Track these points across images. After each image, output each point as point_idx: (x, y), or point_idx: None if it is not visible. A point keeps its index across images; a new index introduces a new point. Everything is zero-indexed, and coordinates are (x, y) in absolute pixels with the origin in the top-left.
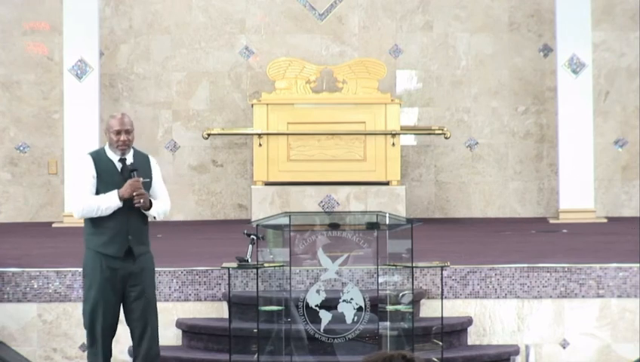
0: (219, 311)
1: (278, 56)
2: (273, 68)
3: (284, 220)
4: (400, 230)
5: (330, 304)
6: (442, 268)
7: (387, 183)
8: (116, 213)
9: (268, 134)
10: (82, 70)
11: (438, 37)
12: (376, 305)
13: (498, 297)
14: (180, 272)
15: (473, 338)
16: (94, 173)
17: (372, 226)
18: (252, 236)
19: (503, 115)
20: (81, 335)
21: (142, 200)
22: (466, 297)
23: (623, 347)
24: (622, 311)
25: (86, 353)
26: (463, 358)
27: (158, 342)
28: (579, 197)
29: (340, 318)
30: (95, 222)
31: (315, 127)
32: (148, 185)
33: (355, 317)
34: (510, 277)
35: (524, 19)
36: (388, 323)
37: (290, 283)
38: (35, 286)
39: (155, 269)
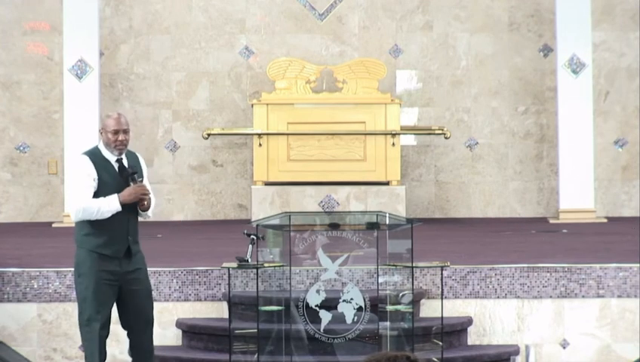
0: (219, 311)
1: (278, 56)
2: (273, 68)
3: (284, 220)
4: (400, 230)
5: (330, 304)
6: (442, 268)
7: (387, 183)
8: (117, 213)
9: (268, 134)
10: (82, 70)
11: (438, 37)
12: (376, 305)
13: (498, 297)
14: (179, 272)
15: (473, 338)
16: (95, 176)
17: (372, 226)
18: (252, 236)
19: (503, 115)
20: None
21: (146, 203)
22: (466, 297)
23: (623, 347)
24: (622, 311)
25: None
26: (463, 358)
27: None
28: (579, 197)
29: (340, 318)
30: (93, 223)
31: (315, 127)
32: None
33: (355, 317)
34: (510, 277)
35: (524, 19)
36: (388, 323)
37: (290, 283)
38: (35, 286)
39: (155, 269)
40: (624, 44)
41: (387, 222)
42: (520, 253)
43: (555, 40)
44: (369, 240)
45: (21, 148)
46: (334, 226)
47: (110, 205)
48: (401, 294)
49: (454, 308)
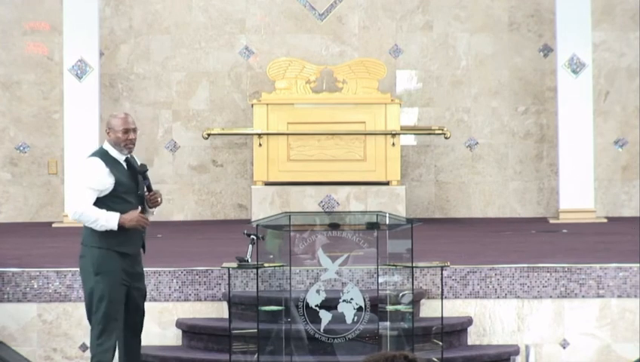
0: (219, 311)
1: (278, 56)
2: (273, 68)
3: (284, 220)
4: (400, 230)
5: (330, 304)
6: (442, 268)
7: (387, 183)
8: (131, 210)
9: (268, 134)
10: (82, 70)
11: (438, 37)
12: (376, 305)
13: (498, 297)
14: (179, 272)
15: (473, 338)
16: (111, 180)
17: (372, 226)
18: (252, 236)
19: (503, 115)
20: (81, 336)
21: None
22: (466, 297)
23: (623, 347)
24: (622, 311)
25: (86, 353)
26: (463, 358)
27: None
28: (579, 197)
29: (340, 318)
30: None
31: (315, 127)
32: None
33: (355, 317)
34: (510, 277)
35: (524, 19)
36: (388, 323)
37: (290, 283)
38: (35, 286)
39: (155, 269)
40: (624, 44)
41: (387, 222)
42: (520, 253)
43: (555, 40)
44: (369, 240)
45: (21, 148)
46: (334, 226)
47: (108, 222)
48: (401, 294)
49: (454, 308)
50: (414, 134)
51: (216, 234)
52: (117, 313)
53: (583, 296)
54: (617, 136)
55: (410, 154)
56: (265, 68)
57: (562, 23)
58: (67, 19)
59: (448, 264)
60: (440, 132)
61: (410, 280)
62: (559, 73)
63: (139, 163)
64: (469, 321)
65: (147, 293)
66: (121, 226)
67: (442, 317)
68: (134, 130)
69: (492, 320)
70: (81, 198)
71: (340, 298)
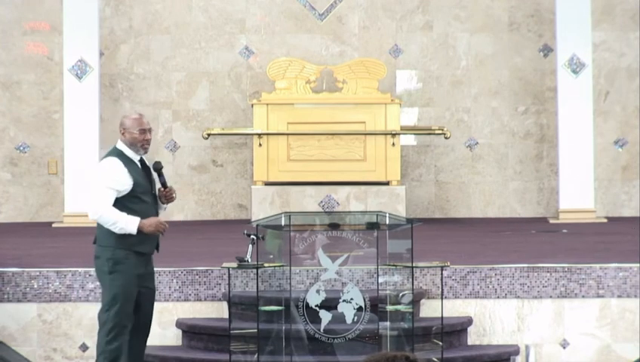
0: (219, 311)
1: (278, 56)
2: (273, 68)
3: (284, 220)
4: (400, 230)
5: (330, 304)
6: (442, 268)
7: (387, 183)
8: (150, 210)
9: (268, 134)
10: (82, 70)
11: (438, 37)
12: (376, 305)
13: (498, 297)
14: (179, 272)
15: (473, 338)
16: (129, 181)
17: (372, 226)
18: (252, 236)
19: (503, 115)
20: (82, 336)
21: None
22: (466, 297)
23: (623, 347)
24: (622, 311)
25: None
26: (463, 358)
27: None
28: (579, 197)
29: (339, 318)
30: None
31: (315, 127)
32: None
33: (355, 317)
34: (510, 277)
35: (524, 19)
36: (388, 323)
37: (290, 283)
38: (35, 286)
39: (155, 269)
40: (624, 44)
41: (387, 222)
42: (520, 253)
43: (555, 40)
44: (369, 240)
45: (21, 148)
46: (334, 226)
47: (127, 225)
48: (401, 294)
49: (454, 308)
50: (414, 134)
51: (216, 234)
52: (128, 313)
53: (583, 296)
54: (617, 136)
55: (410, 154)
56: (265, 68)
57: (562, 22)
58: (67, 19)
59: (448, 264)
60: (440, 132)
61: (410, 280)
62: (559, 73)
63: (147, 162)
64: (469, 321)
65: None
66: (139, 231)
67: (442, 317)
68: (150, 130)
69: (492, 320)
70: (101, 199)
71: (339, 298)
